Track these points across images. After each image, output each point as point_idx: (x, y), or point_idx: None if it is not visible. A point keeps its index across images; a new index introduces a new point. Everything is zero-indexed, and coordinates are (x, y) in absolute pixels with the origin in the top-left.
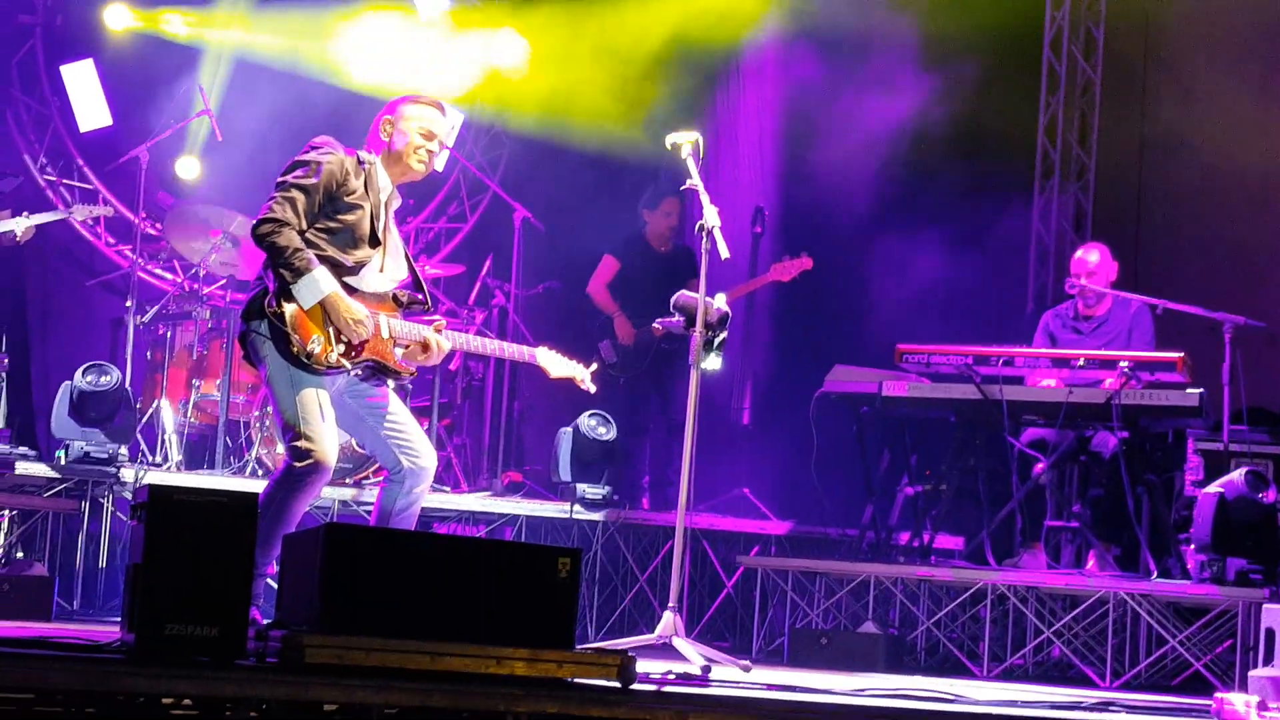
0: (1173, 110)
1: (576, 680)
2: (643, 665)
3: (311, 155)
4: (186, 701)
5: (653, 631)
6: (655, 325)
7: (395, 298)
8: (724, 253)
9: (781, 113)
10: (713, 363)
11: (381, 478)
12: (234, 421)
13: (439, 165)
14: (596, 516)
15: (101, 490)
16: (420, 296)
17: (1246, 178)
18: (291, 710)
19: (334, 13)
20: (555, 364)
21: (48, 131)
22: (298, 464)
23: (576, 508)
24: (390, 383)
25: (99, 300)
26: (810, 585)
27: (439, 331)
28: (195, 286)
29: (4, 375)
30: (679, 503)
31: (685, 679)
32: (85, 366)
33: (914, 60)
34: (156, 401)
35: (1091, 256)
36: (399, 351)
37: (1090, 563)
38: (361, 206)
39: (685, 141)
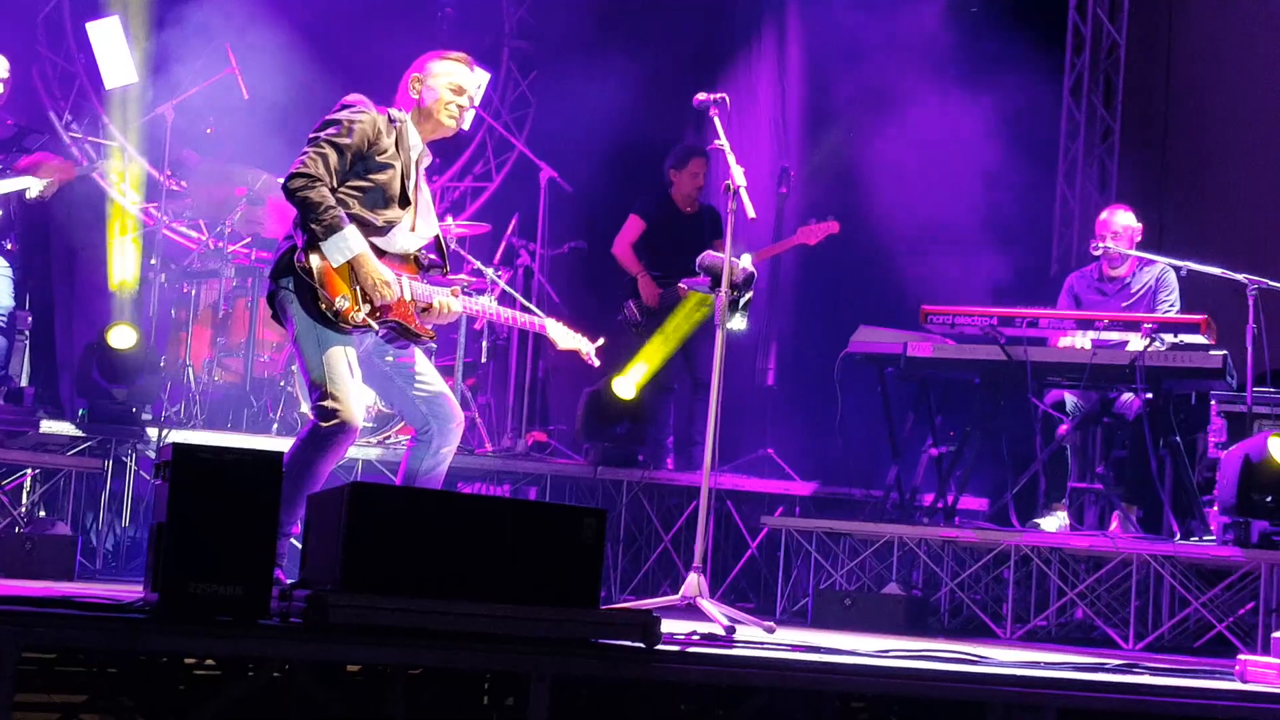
0: (1198, 71)
1: (601, 641)
2: (667, 626)
3: (344, 114)
4: (209, 661)
5: (677, 592)
6: (680, 286)
7: (417, 259)
8: (750, 212)
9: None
10: (738, 323)
11: (408, 437)
12: (258, 379)
13: (466, 123)
14: (620, 476)
15: (125, 449)
16: (438, 259)
17: (1273, 138)
18: (313, 670)
19: None
20: (562, 336)
21: (73, 89)
22: (324, 424)
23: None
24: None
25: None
26: (834, 546)
27: (455, 296)
28: (220, 245)
29: (28, 333)
30: (704, 463)
31: (710, 640)
32: (109, 325)
33: (939, 15)
34: (181, 360)
35: (1116, 217)
36: (420, 315)
37: (1113, 524)
38: (393, 166)
39: (711, 100)
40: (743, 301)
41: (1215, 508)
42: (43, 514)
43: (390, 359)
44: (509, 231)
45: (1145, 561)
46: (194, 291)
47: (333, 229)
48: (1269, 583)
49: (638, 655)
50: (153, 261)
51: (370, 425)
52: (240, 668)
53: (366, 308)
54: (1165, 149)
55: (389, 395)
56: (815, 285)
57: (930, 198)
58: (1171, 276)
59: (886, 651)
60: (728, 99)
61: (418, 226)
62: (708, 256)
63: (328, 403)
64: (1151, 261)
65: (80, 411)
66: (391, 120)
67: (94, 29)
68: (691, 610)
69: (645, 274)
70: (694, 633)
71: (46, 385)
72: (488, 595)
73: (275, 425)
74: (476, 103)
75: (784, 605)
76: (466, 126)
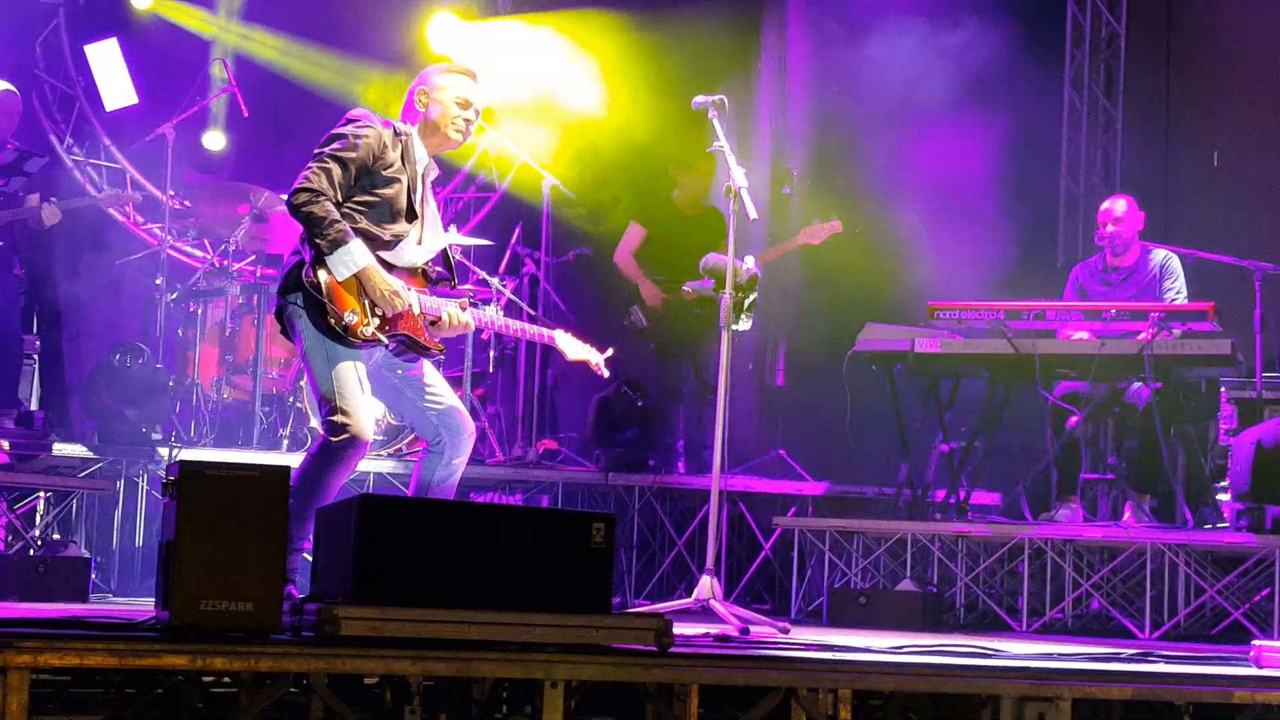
0: (1198, 57)
1: (614, 645)
2: (681, 629)
3: (349, 129)
4: (226, 680)
5: (691, 596)
6: (685, 289)
7: (424, 273)
8: (752, 213)
9: (807, 71)
10: (743, 324)
11: (419, 449)
12: (267, 396)
13: (470, 136)
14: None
15: (136, 469)
16: (445, 273)
17: (1275, 123)
18: (333, 683)
19: None
20: (572, 347)
21: (74, 111)
22: (334, 438)
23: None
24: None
25: (129, 279)
26: (848, 545)
27: (464, 309)
28: (225, 263)
29: (36, 357)
30: (714, 466)
31: (723, 642)
32: (117, 347)
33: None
34: (189, 379)
35: (1118, 206)
36: (429, 329)
37: (1127, 514)
38: (399, 180)
39: (711, 102)
40: (747, 303)
41: (1229, 495)
42: (56, 536)
43: (401, 371)
44: (513, 240)
45: (1159, 551)
46: (200, 310)
47: (338, 243)
48: None
49: (650, 659)
50: (158, 282)
51: (380, 438)
52: (258, 684)
53: (375, 322)
54: (1168, 138)
55: (399, 408)
56: (821, 285)
57: (933, 193)
58: (1176, 264)
59: (901, 648)
60: (726, 101)
61: (425, 240)
62: (711, 258)
63: (337, 417)
64: (1156, 249)
65: (91, 434)
66: (397, 134)
67: (93, 51)
68: (705, 613)
69: (645, 279)
70: (707, 635)
71: (56, 408)
72: (499, 603)
73: (285, 441)
74: (481, 115)
75: (799, 605)
76: (470, 138)
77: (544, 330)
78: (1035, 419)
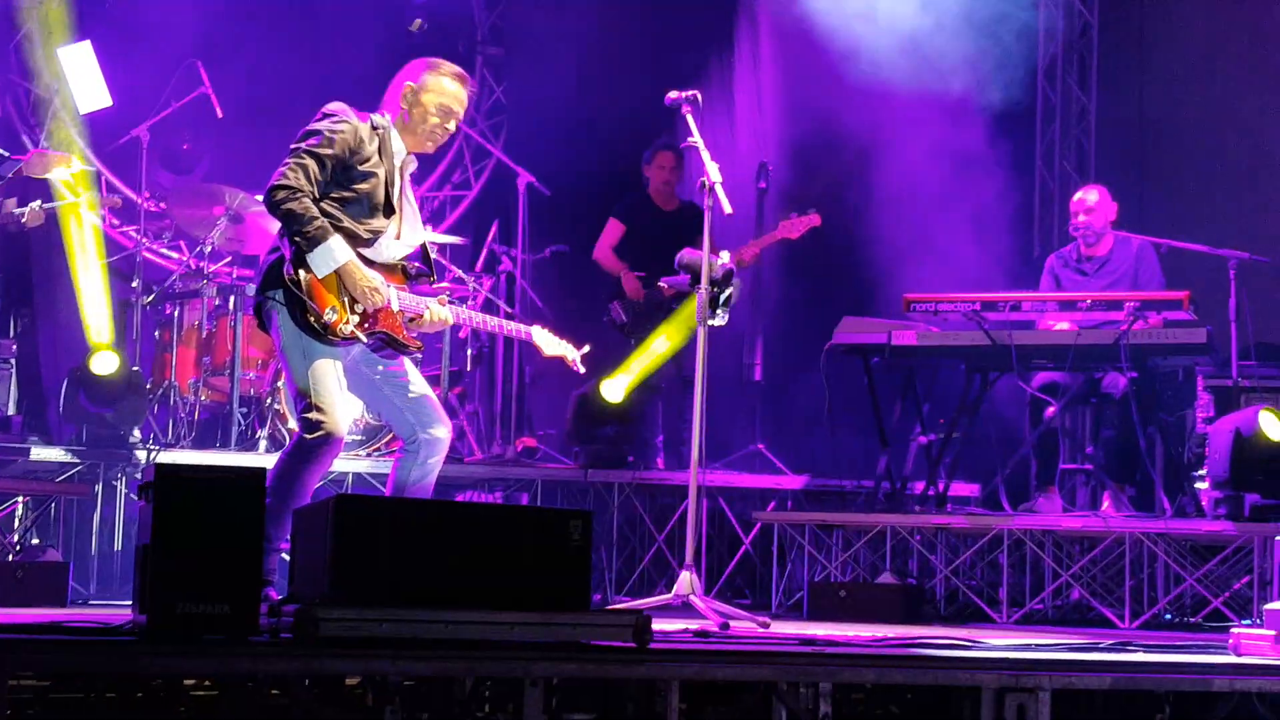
0: (1171, 47)
1: (593, 642)
2: (661, 625)
3: (324, 123)
4: (207, 683)
5: (671, 592)
6: (661, 285)
7: (404, 269)
8: (726, 208)
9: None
10: (719, 319)
11: (396, 449)
12: (245, 398)
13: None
14: (612, 479)
15: (114, 473)
16: (425, 268)
17: (1247, 113)
18: (315, 685)
19: None
20: (548, 343)
21: (48, 114)
22: (309, 435)
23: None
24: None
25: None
26: (827, 538)
27: (442, 305)
28: (201, 265)
29: (13, 361)
30: (692, 461)
31: (703, 637)
32: (93, 349)
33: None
34: (166, 381)
35: (1090, 196)
36: (408, 326)
37: (1105, 504)
38: (376, 174)
39: (684, 98)
40: (723, 297)
41: (1206, 483)
42: (35, 541)
43: (381, 368)
44: (490, 238)
45: (1138, 540)
46: (176, 312)
47: (317, 240)
48: (1262, 555)
49: (630, 655)
50: (134, 284)
51: (359, 438)
52: (238, 686)
53: (355, 319)
54: (1142, 128)
55: (377, 405)
56: (798, 279)
57: (909, 186)
58: (1151, 253)
59: (880, 640)
60: (699, 96)
61: (403, 234)
62: (686, 254)
63: (313, 414)
64: (1128, 239)
65: (69, 438)
66: (375, 127)
67: (65, 54)
68: (686, 608)
69: (627, 271)
70: (687, 630)
71: (34, 412)
72: (477, 602)
73: (263, 443)
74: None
75: (779, 599)
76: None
77: (521, 326)
78: (1013, 410)
